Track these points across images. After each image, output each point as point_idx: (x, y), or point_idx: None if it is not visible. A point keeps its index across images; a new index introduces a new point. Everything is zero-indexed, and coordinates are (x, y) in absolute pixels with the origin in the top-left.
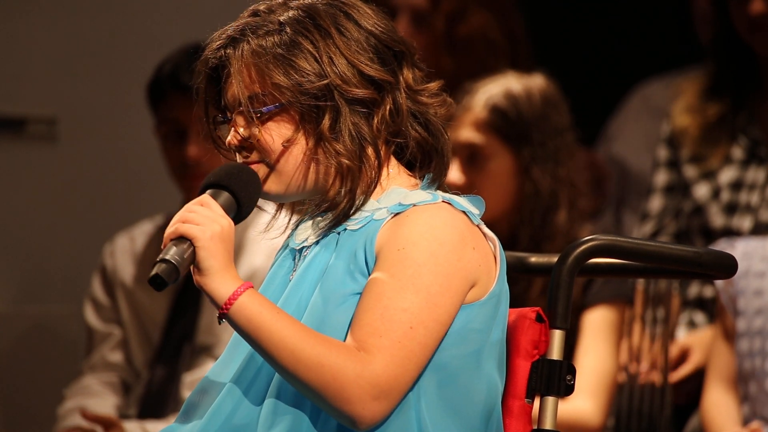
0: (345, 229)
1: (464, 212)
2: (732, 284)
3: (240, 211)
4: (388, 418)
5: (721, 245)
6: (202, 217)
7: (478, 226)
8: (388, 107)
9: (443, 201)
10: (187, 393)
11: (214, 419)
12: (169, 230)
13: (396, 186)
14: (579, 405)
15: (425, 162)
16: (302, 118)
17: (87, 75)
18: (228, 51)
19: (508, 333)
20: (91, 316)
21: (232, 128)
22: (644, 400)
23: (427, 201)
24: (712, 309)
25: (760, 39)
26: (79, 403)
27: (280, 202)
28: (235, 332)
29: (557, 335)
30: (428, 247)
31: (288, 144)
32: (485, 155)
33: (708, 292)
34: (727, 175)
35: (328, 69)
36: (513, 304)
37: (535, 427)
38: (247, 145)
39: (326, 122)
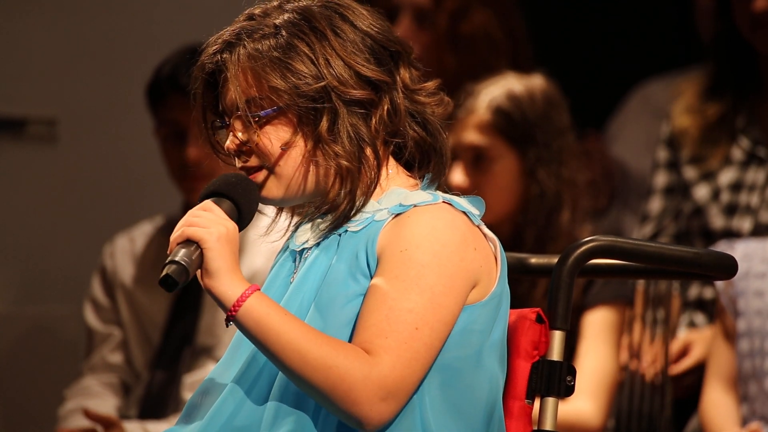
0: (346, 231)
1: (464, 213)
2: (732, 285)
3: (241, 218)
4: (394, 420)
5: (721, 246)
6: (208, 221)
7: (478, 226)
8: (385, 107)
9: (444, 201)
10: (187, 394)
11: (216, 420)
12: (175, 234)
13: (396, 186)
14: (579, 406)
15: (424, 161)
16: (300, 120)
17: (87, 75)
18: (224, 55)
19: (508, 334)
20: (91, 317)
21: (231, 133)
22: (644, 401)
23: (428, 201)
24: (712, 310)
25: (762, 37)
26: (80, 404)
27: (281, 206)
28: (236, 334)
29: (557, 336)
30: (431, 248)
31: (286, 147)
32: (490, 157)
33: (708, 293)
34: (727, 176)
35: (325, 71)
36: (517, 304)
37: (536, 428)
38: (245, 149)
39: (324, 124)
